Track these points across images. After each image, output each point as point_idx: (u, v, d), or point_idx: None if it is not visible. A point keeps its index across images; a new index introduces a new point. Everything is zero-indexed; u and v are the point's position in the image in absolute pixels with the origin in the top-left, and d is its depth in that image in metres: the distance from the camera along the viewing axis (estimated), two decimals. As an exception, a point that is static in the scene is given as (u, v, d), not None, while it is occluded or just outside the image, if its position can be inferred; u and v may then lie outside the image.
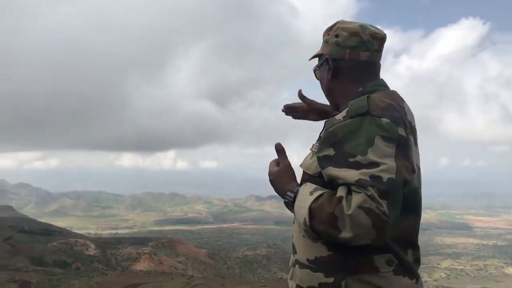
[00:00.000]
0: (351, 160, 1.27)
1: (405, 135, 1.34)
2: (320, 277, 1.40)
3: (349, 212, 1.20)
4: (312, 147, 1.53)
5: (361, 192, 1.21)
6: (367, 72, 1.53)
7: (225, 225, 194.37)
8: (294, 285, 1.50)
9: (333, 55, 1.53)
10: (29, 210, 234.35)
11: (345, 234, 1.22)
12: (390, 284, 1.35)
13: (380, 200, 1.20)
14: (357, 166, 1.26)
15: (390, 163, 1.26)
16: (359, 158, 1.26)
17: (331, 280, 1.37)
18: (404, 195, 1.30)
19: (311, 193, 1.34)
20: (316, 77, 1.65)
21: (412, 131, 1.44)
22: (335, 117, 1.41)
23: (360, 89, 1.50)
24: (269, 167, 1.55)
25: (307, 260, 1.44)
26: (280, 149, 1.54)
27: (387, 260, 1.35)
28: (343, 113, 1.39)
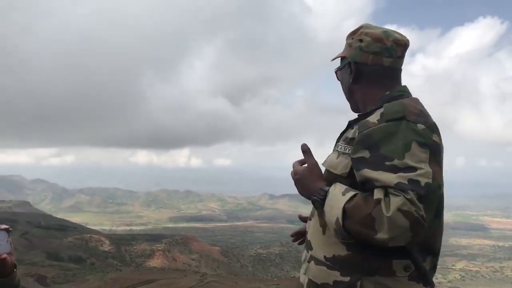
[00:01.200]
0: (387, 163, 1.30)
1: (438, 141, 1.38)
2: (336, 275, 1.42)
3: (388, 214, 1.23)
4: (337, 147, 1.55)
5: (400, 195, 1.24)
6: (389, 77, 1.56)
7: (238, 223, 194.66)
8: (307, 280, 1.53)
9: (355, 59, 1.56)
10: (45, 206, 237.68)
11: (382, 235, 1.25)
12: None
13: (419, 204, 1.24)
14: (395, 169, 1.29)
15: (426, 168, 1.29)
16: (396, 162, 1.29)
17: (346, 279, 1.39)
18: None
19: (343, 194, 1.36)
20: (338, 78, 1.68)
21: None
22: (368, 119, 1.44)
23: (387, 92, 1.53)
24: (294, 166, 1.57)
25: (324, 257, 1.46)
26: (306, 150, 1.56)
27: (404, 265, 1.38)
28: (376, 116, 1.42)
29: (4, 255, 1.28)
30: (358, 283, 1.38)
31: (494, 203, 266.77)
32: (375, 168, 1.32)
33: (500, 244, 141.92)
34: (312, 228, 1.57)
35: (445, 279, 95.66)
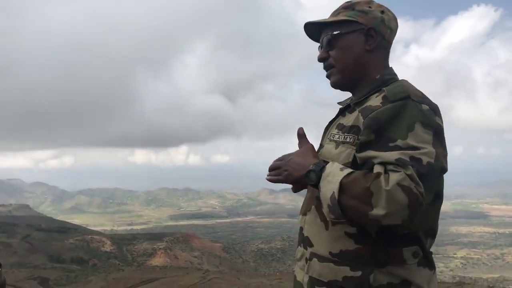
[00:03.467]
0: (391, 144, 1.26)
1: (441, 124, 1.35)
2: (345, 270, 1.35)
3: (388, 188, 1.19)
4: (332, 137, 1.48)
5: (400, 171, 1.20)
6: (388, 57, 1.55)
7: (239, 219, 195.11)
8: (307, 278, 1.46)
9: (377, 29, 1.49)
10: (45, 208, 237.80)
11: (378, 211, 1.20)
12: (412, 275, 1.35)
13: (419, 181, 1.20)
14: (397, 149, 1.25)
15: (430, 148, 1.26)
16: (399, 142, 1.26)
17: (358, 273, 1.33)
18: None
19: (341, 169, 1.31)
20: (330, 42, 1.53)
21: None
22: (370, 104, 1.38)
23: (378, 76, 1.49)
24: (276, 160, 1.51)
25: (330, 253, 1.39)
26: (302, 134, 1.52)
27: (413, 252, 1.35)
28: (378, 99, 1.37)
29: None
30: (371, 276, 1.32)
31: (494, 191, 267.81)
32: (377, 149, 1.28)
33: (501, 231, 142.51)
34: (311, 224, 1.48)
35: (446, 267, 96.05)
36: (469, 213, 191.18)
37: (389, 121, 1.30)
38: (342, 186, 1.26)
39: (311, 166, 1.37)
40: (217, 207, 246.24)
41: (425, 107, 1.32)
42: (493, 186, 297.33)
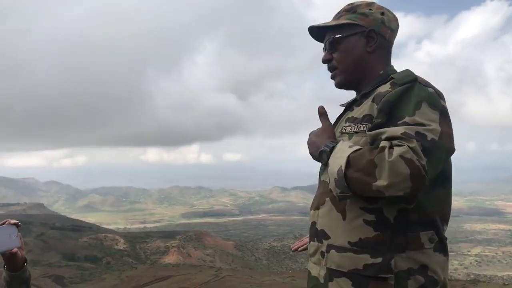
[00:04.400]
0: (399, 122, 1.31)
1: (446, 106, 1.40)
2: (365, 258, 1.37)
3: (390, 159, 1.22)
4: (344, 129, 1.53)
5: (404, 145, 1.23)
6: (390, 57, 1.62)
7: (251, 217, 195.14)
8: (324, 272, 1.47)
9: (378, 30, 1.56)
10: (59, 207, 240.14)
11: (381, 182, 1.23)
12: (429, 260, 1.37)
13: (421, 154, 1.23)
14: (403, 125, 1.30)
15: (436, 126, 1.30)
16: (406, 119, 1.31)
17: (378, 260, 1.35)
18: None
19: (350, 146, 1.36)
20: (333, 45, 1.61)
21: None
22: (380, 90, 1.44)
23: (381, 72, 1.56)
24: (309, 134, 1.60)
25: (349, 243, 1.41)
26: (322, 112, 1.57)
27: (429, 236, 1.37)
28: (387, 85, 1.43)
29: (15, 249, 1.32)
30: (392, 261, 1.34)
31: (508, 187, 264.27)
32: (385, 127, 1.34)
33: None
34: (326, 217, 1.51)
35: (461, 265, 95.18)
36: (483, 210, 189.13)
37: (397, 102, 1.35)
38: (349, 160, 1.31)
39: (323, 146, 1.45)
40: (229, 205, 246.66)
41: (430, 90, 1.38)
42: (507, 182, 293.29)
